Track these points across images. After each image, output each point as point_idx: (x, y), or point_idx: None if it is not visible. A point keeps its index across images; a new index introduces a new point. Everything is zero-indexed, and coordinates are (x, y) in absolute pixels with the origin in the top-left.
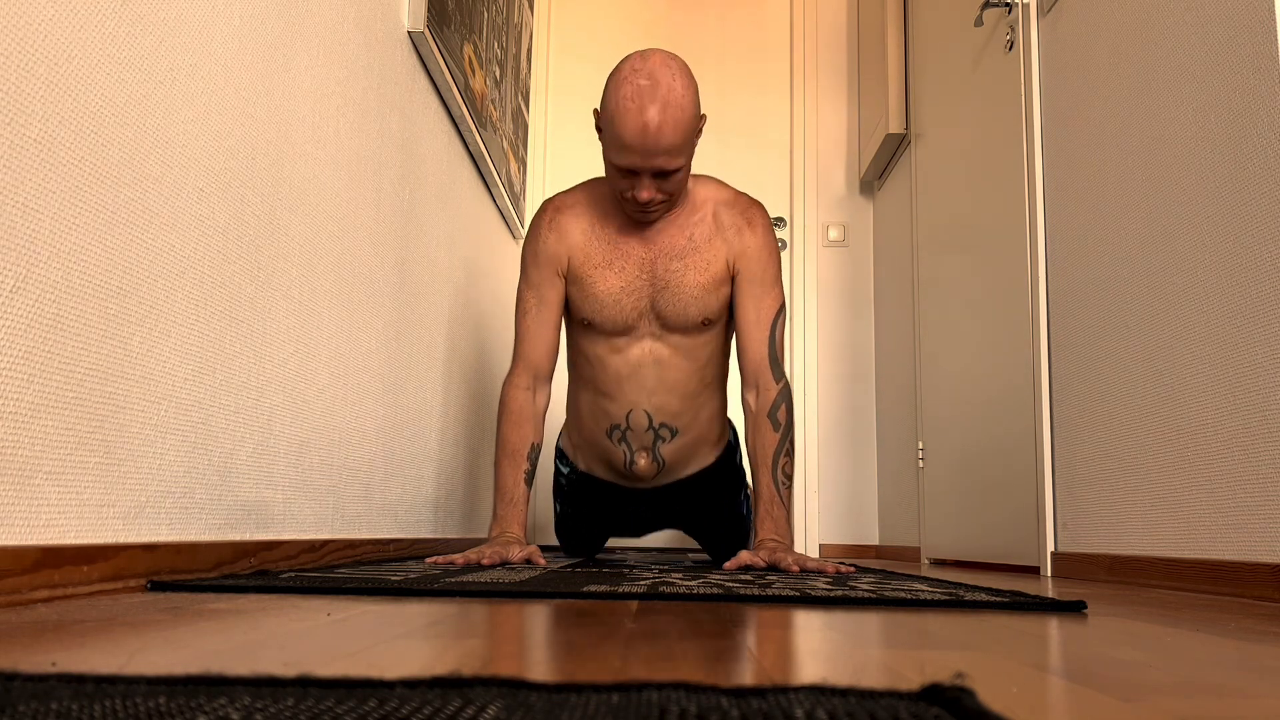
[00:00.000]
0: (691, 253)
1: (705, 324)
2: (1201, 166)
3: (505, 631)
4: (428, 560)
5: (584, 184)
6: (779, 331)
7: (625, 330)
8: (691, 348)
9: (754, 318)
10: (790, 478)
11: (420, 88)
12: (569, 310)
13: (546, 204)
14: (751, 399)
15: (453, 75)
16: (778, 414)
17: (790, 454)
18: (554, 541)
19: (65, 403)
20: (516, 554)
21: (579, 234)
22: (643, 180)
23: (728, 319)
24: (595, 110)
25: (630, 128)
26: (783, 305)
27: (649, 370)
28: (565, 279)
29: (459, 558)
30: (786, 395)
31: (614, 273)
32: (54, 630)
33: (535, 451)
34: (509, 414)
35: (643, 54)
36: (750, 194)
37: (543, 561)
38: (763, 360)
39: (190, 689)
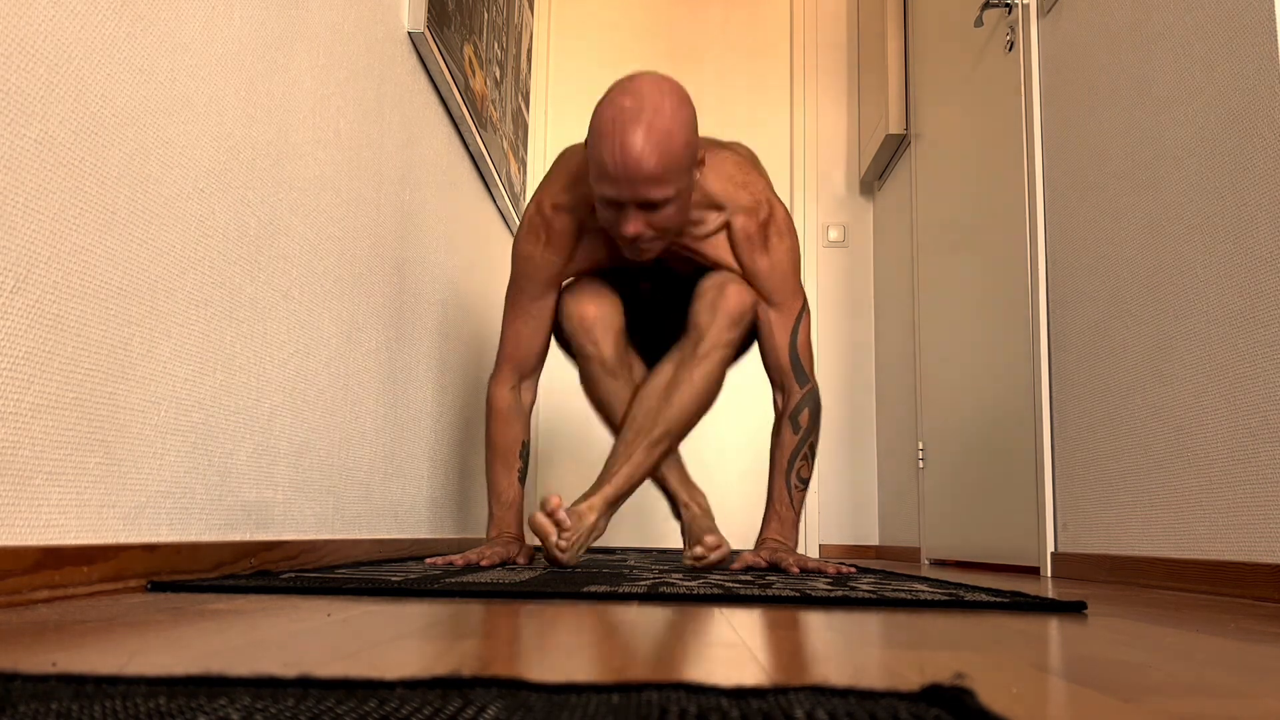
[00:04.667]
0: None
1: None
2: (1201, 166)
3: (505, 632)
4: (427, 560)
5: (577, 172)
6: (801, 334)
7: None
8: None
9: (775, 321)
10: (805, 482)
11: (420, 88)
12: None
13: (539, 205)
14: (779, 399)
15: (453, 76)
16: (799, 417)
17: (809, 458)
18: None
19: (65, 404)
20: (517, 554)
21: (573, 248)
22: (628, 213)
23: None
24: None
25: (610, 152)
26: (804, 306)
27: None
28: (560, 288)
29: (459, 558)
30: (812, 399)
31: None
32: (54, 630)
33: (526, 449)
34: (496, 414)
35: (631, 75)
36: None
37: (545, 561)
38: (785, 365)
39: (190, 689)
